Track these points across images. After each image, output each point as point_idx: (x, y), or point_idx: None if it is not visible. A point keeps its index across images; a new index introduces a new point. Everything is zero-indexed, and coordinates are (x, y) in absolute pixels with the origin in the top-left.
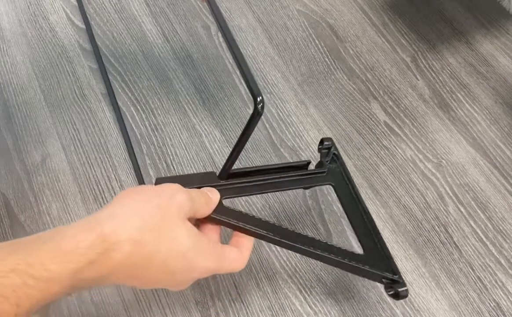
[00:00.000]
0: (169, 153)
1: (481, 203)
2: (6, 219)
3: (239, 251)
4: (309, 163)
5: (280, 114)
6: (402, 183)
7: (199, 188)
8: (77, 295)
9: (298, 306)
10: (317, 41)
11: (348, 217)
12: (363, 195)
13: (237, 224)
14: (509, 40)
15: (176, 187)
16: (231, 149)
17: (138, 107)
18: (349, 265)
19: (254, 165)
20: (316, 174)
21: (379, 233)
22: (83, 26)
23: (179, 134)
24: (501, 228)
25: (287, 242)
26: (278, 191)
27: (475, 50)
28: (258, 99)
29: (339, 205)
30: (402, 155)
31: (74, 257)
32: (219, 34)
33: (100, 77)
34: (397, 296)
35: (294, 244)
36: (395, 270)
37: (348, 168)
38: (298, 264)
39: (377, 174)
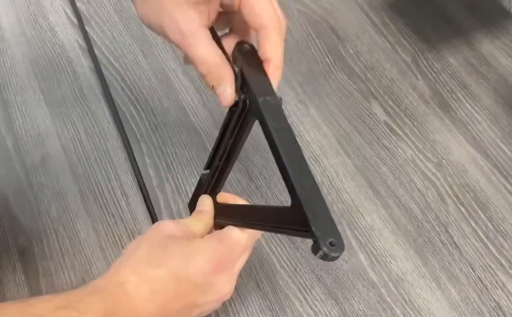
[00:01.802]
0: (169, 153)
1: (482, 203)
2: (6, 219)
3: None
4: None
5: None
6: (402, 183)
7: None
8: None
9: (298, 306)
10: (317, 41)
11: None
12: (363, 195)
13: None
14: (510, 40)
15: (161, 221)
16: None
17: (138, 107)
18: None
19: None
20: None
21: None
22: (85, 27)
23: (179, 134)
24: (501, 228)
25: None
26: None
27: (475, 50)
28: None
29: (339, 205)
30: (402, 155)
31: (100, 291)
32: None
33: (100, 77)
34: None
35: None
36: (310, 221)
37: (348, 168)
38: (298, 264)
39: (378, 174)
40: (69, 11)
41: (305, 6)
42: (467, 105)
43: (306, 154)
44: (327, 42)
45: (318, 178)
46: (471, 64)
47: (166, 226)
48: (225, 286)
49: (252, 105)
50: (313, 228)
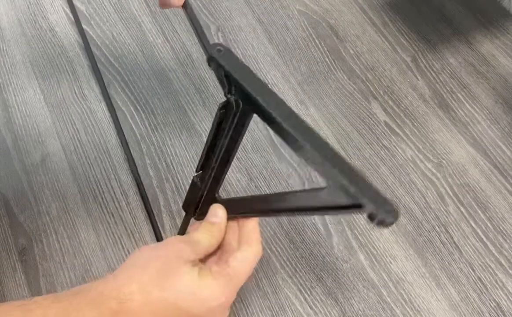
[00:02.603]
0: (169, 153)
1: (482, 203)
2: (6, 218)
3: (244, 250)
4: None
5: None
6: (402, 183)
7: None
8: None
9: (298, 306)
10: (317, 41)
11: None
12: None
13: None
14: (509, 40)
15: (175, 238)
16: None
17: (138, 107)
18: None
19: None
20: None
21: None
22: (83, 26)
23: (179, 134)
24: (501, 228)
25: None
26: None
27: (475, 50)
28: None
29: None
30: (402, 156)
31: (100, 303)
32: (219, 34)
33: (100, 77)
34: (381, 223)
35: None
36: (361, 193)
37: None
38: (298, 264)
39: (377, 174)
40: (69, 11)
41: (305, 6)
42: (467, 105)
43: None
44: (327, 42)
45: (318, 178)
46: (471, 64)
47: (178, 247)
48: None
49: (248, 103)
50: (365, 203)
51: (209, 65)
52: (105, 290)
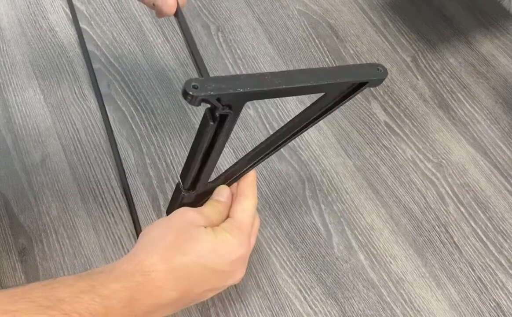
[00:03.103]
0: (169, 153)
1: (482, 203)
2: (6, 218)
3: (241, 202)
4: None
5: (280, 114)
6: (402, 183)
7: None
8: None
9: (298, 306)
10: (317, 41)
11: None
12: (363, 195)
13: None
14: (509, 40)
15: (185, 208)
16: (230, 150)
17: (138, 107)
18: (324, 112)
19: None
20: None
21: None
22: (83, 26)
23: (179, 134)
24: (501, 228)
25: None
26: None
27: (475, 50)
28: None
29: (339, 205)
30: (402, 155)
31: (125, 278)
32: (219, 34)
33: (100, 77)
34: (377, 84)
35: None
36: (361, 78)
37: (348, 168)
38: (298, 264)
39: (377, 174)
40: (69, 11)
41: (305, 6)
42: (467, 105)
43: (306, 154)
44: (327, 42)
45: (318, 178)
46: (471, 64)
47: (190, 215)
48: (242, 271)
49: (241, 101)
50: (366, 78)
51: (191, 103)
52: (128, 268)
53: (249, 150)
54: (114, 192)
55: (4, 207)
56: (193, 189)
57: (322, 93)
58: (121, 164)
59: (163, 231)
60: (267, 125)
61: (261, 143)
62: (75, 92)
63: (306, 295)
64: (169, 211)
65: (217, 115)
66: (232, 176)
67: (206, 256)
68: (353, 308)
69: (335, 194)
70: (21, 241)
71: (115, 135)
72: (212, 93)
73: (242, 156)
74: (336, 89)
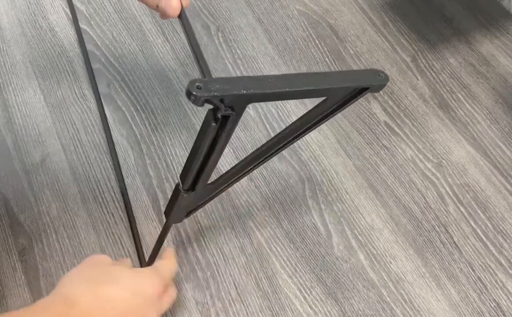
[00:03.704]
0: (169, 153)
1: (481, 203)
2: (6, 218)
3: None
4: None
5: (280, 114)
6: (402, 183)
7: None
8: None
9: (298, 306)
10: (317, 41)
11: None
12: (363, 195)
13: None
14: (509, 40)
15: (101, 254)
16: (230, 150)
17: (138, 107)
18: (325, 116)
19: None
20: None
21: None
22: (83, 26)
23: (179, 134)
24: (501, 228)
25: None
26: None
27: (475, 50)
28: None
29: (339, 205)
30: (402, 155)
31: (49, 310)
32: (219, 34)
33: (100, 77)
34: (378, 90)
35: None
36: (356, 88)
37: (348, 168)
38: (298, 264)
39: (377, 174)
40: (69, 11)
41: (305, 6)
42: (467, 105)
43: (306, 154)
44: (327, 42)
45: (318, 178)
46: (470, 64)
47: (104, 256)
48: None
49: (243, 102)
50: (367, 83)
51: (195, 103)
52: (53, 301)
53: (249, 150)
54: (114, 192)
55: (4, 207)
56: (192, 189)
57: (323, 97)
58: (119, 167)
59: (82, 269)
60: (267, 126)
61: (262, 145)
62: (75, 92)
63: (306, 295)
64: (167, 213)
65: (219, 117)
66: (232, 178)
67: (129, 283)
68: (353, 308)
69: (335, 194)
70: (21, 241)
71: (115, 135)
72: (215, 94)
73: (242, 157)
74: (337, 93)
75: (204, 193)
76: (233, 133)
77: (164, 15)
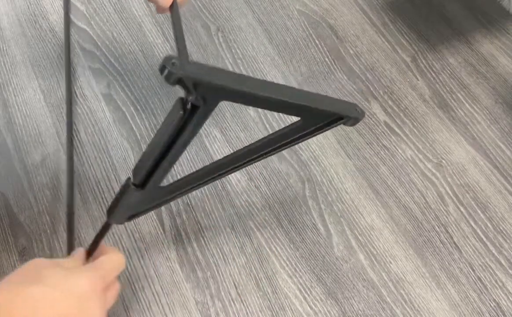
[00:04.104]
0: None
1: (481, 203)
2: (6, 218)
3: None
4: None
5: (281, 114)
6: (402, 183)
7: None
8: None
9: (298, 306)
10: (317, 41)
11: (259, 107)
12: (363, 195)
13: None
14: (509, 40)
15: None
16: (230, 150)
17: (138, 107)
18: (299, 138)
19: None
20: (194, 115)
21: (294, 95)
22: (83, 26)
23: None
24: (501, 228)
25: (220, 173)
26: (181, 153)
27: (475, 50)
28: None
29: (339, 205)
30: (402, 155)
31: None
32: (219, 34)
33: (100, 77)
34: (354, 124)
35: (241, 164)
36: (333, 115)
37: (348, 168)
38: (298, 264)
39: (377, 174)
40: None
41: (305, 6)
42: (467, 105)
43: (306, 154)
44: (327, 42)
45: (318, 178)
46: (470, 64)
47: (40, 260)
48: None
49: (218, 95)
50: (344, 113)
51: (167, 80)
52: None
53: None
54: (114, 192)
55: (4, 207)
56: (142, 186)
57: (297, 118)
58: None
59: (16, 272)
60: (267, 126)
61: (220, 159)
62: (75, 92)
63: (306, 295)
64: (110, 210)
65: (189, 106)
66: (184, 186)
67: (58, 282)
68: (353, 308)
69: (335, 194)
70: (21, 241)
71: (115, 135)
72: (190, 75)
73: None
74: (312, 115)
75: (154, 194)
76: (233, 133)
77: (158, 8)
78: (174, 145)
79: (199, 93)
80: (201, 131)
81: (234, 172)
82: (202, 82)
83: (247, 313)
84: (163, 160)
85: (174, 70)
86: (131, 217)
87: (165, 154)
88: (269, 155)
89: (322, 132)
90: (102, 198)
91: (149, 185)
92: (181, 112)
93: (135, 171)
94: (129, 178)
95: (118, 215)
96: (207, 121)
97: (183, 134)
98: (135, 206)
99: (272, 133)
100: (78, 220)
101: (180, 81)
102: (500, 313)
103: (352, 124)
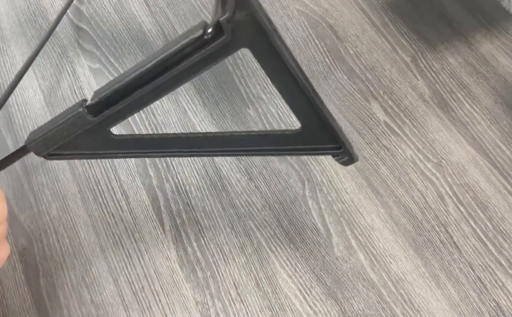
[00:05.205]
0: None
1: (481, 203)
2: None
3: None
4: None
5: (280, 114)
6: (402, 183)
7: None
8: (77, 296)
9: (298, 306)
10: (317, 41)
11: (276, 85)
12: (363, 195)
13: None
14: (509, 40)
15: None
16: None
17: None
18: (286, 150)
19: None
20: (212, 43)
21: (319, 98)
22: (83, 26)
23: (178, 132)
24: (501, 228)
25: (198, 149)
26: (165, 92)
27: (475, 50)
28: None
29: (339, 205)
30: (402, 155)
31: None
32: None
33: (100, 77)
34: (345, 164)
35: (209, 150)
36: (337, 140)
37: (348, 168)
38: (298, 264)
39: (377, 174)
40: (69, 11)
41: (305, 6)
42: (467, 105)
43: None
44: (327, 42)
45: (318, 178)
46: (470, 65)
47: None
48: None
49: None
50: (345, 145)
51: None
52: None
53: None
54: (114, 192)
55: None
56: (94, 114)
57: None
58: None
59: None
60: (267, 126)
61: (195, 133)
62: (75, 92)
63: (306, 295)
64: (37, 132)
65: (209, 33)
66: (137, 147)
67: None
68: (353, 308)
69: (335, 194)
70: (21, 241)
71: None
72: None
73: (241, 157)
74: (317, 129)
75: (99, 135)
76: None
77: None
78: (162, 75)
79: (239, 19)
80: (201, 131)
81: (200, 155)
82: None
83: (247, 313)
84: (136, 90)
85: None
86: (54, 154)
87: (142, 84)
88: (253, 154)
89: (311, 154)
90: (102, 198)
91: (102, 115)
92: (201, 31)
93: (98, 90)
94: (84, 99)
95: (45, 140)
96: (207, 121)
97: (182, 63)
98: (71, 137)
99: (265, 131)
100: (78, 219)
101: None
102: (500, 313)
103: (345, 163)
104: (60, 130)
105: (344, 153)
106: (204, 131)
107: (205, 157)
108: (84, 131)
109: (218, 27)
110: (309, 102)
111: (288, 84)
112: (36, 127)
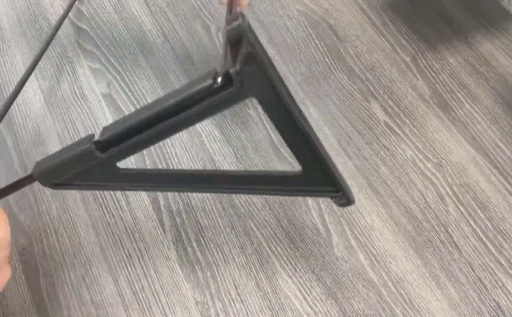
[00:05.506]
0: (169, 153)
1: (481, 203)
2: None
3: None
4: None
5: None
6: (402, 182)
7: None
8: (77, 296)
9: (298, 306)
10: (317, 41)
11: (280, 132)
12: (363, 195)
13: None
14: (509, 40)
15: None
16: (230, 149)
17: (138, 107)
18: (287, 190)
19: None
20: (221, 93)
21: (320, 145)
22: (83, 26)
23: (179, 134)
24: (501, 228)
25: (201, 186)
26: (172, 134)
27: (475, 50)
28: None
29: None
30: (402, 155)
31: None
32: (219, 34)
33: (100, 77)
34: (342, 206)
35: (212, 187)
36: (336, 184)
37: (348, 168)
38: (298, 264)
39: (377, 173)
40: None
41: (305, 6)
42: (467, 105)
43: None
44: (327, 42)
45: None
46: (470, 64)
47: None
48: None
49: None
50: (343, 189)
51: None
52: None
53: (249, 151)
54: (114, 192)
55: (4, 207)
56: (102, 150)
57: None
58: None
59: None
60: (267, 126)
61: (193, 170)
62: (75, 92)
63: (306, 295)
64: (44, 162)
65: (219, 82)
66: (142, 181)
67: None
68: (353, 308)
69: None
70: (21, 241)
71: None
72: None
73: (242, 157)
74: (318, 173)
75: (106, 169)
76: (233, 133)
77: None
78: (169, 119)
79: (248, 72)
80: (201, 131)
81: (203, 191)
82: (267, 69)
83: (247, 313)
84: (144, 131)
85: (244, 26)
86: (60, 184)
87: (150, 125)
88: (254, 193)
89: (309, 196)
90: (102, 198)
91: (109, 152)
92: (211, 81)
93: (107, 127)
94: (92, 134)
95: (52, 171)
96: (207, 121)
97: (190, 110)
98: (78, 170)
99: (267, 172)
100: (78, 219)
101: (239, 41)
102: (500, 313)
103: (342, 204)
104: (67, 163)
105: (342, 196)
106: (204, 132)
107: (205, 157)
108: (91, 166)
109: (228, 77)
110: (311, 149)
111: (292, 132)
112: (43, 157)
